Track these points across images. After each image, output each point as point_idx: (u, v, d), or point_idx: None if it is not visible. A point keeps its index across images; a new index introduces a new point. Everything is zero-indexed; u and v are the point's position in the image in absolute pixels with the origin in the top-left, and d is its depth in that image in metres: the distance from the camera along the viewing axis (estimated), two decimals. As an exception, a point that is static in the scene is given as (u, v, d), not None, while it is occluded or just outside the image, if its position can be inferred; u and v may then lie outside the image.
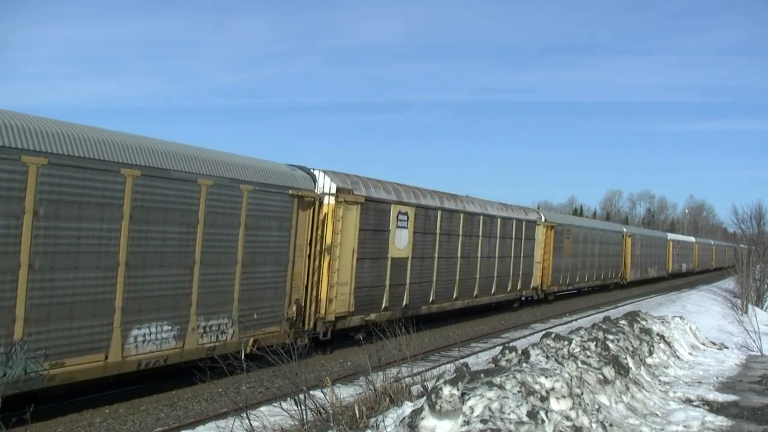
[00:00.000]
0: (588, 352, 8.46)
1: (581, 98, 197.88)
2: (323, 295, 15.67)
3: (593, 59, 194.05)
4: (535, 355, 7.88)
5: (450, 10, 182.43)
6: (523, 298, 29.15)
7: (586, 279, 37.43)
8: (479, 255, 24.08)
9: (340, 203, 15.98)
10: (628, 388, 8.18)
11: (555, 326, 23.35)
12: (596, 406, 6.91)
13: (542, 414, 5.36)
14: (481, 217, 24.24)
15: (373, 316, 17.15)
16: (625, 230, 47.21)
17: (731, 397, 9.03)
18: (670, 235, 63.54)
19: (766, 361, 13.47)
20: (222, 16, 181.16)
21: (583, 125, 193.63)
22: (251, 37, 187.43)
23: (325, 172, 16.01)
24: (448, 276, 21.86)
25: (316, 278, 15.58)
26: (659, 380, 9.88)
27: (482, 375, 6.16)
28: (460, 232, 22.60)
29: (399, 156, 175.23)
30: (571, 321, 25.61)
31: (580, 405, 6.11)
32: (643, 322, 12.96)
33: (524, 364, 7.27)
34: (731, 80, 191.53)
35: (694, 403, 8.63)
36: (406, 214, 18.99)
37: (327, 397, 7.20)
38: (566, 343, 8.57)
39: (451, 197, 22.71)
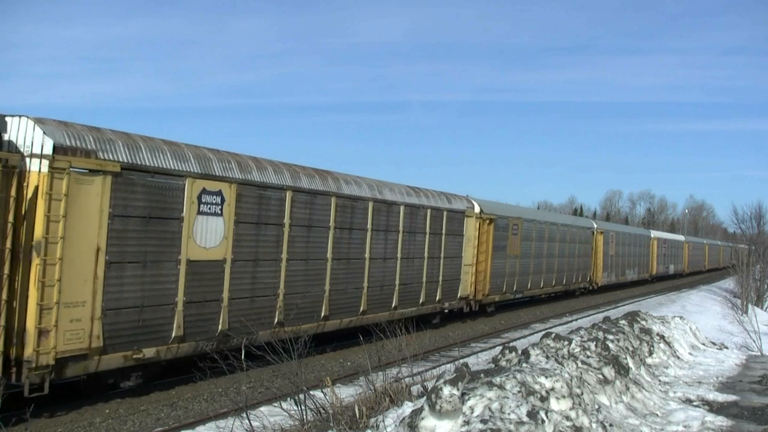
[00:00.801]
0: (588, 352, 8.46)
1: (582, 98, 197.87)
2: (29, 323, 9.75)
3: (594, 59, 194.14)
4: (535, 355, 7.88)
5: (451, 10, 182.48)
6: (446, 311, 22.88)
7: (541, 285, 31.07)
8: (367, 256, 17.63)
9: (63, 172, 10.05)
10: (628, 388, 8.18)
11: (555, 326, 23.36)
12: (596, 406, 6.91)
13: (542, 414, 5.36)
14: (371, 204, 17.70)
15: (151, 351, 11.56)
16: (595, 226, 40.54)
17: (731, 397, 9.03)
18: (655, 233, 57.97)
19: (766, 361, 13.47)
20: (223, 16, 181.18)
21: (583, 125, 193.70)
22: (252, 37, 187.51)
23: (37, 121, 10.13)
24: (310, 286, 15.54)
25: (7, 295, 9.63)
26: (659, 380, 9.88)
27: (482, 375, 6.16)
28: (332, 224, 16.15)
29: (400, 156, 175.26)
30: (571, 321, 25.62)
31: (580, 405, 6.11)
32: (643, 322, 12.96)
33: (524, 364, 7.27)
34: (731, 80, 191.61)
35: (694, 403, 8.63)
36: (218, 194, 12.88)
37: (327, 397, 7.21)
38: (566, 343, 8.57)
39: (314, 173, 16.06)
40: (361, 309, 17.42)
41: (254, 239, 13.81)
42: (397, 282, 19.09)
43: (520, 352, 8.24)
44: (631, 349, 10.07)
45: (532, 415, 5.31)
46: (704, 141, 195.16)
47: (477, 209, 24.12)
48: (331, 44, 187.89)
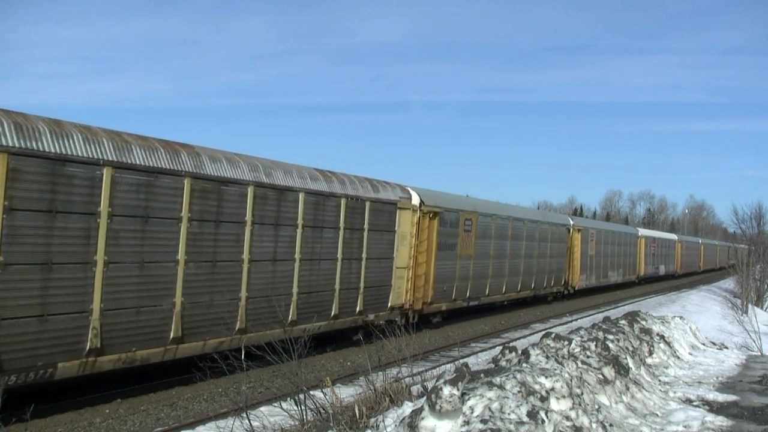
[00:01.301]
0: (588, 352, 8.46)
1: (582, 98, 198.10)
2: None
3: (594, 59, 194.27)
4: (535, 355, 7.88)
5: (451, 10, 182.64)
6: (374, 325, 15.47)
7: (504, 290, 26.90)
8: (246, 257, 13.47)
9: None
10: (628, 388, 8.18)
11: (555, 326, 23.35)
12: (596, 406, 6.91)
13: (542, 414, 5.36)
14: (251, 189, 13.53)
15: None
16: (571, 222, 35.77)
17: (731, 397, 9.03)
18: (643, 231, 53.99)
19: (766, 361, 13.47)
20: (223, 16, 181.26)
21: (583, 125, 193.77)
22: (252, 37, 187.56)
23: None
24: (150, 298, 11.54)
25: None
26: (659, 380, 9.89)
27: (482, 375, 6.16)
28: (185, 214, 12.06)
29: (400, 156, 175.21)
30: (571, 321, 25.62)
31: (580, 405, 6.11)
32: (643, 322, 12.96)
33: (524, 364, 7.27)
34: (731, 80, 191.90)
35: (694, 403, 8.63)
36: None
37: (327, 397, 7.21)
38: (566, 343, 8.57)
39: (158, 145, 11.87)
40: (237, 327, 13.37)
41: (45, 235, 9.85)
42: (294, 290, 14.97)
43: (520, 352, 8.24)
44: (631, 349, 10.07)
45: (532, 415, 5.31)
46: (704, 141, 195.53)
47: (416, 200, 20.04)
48: (331, 44, 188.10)
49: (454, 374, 5.48)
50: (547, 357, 7.71)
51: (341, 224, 16.46)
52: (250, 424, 7.57)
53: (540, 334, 12.09)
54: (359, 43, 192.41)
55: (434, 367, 13.87)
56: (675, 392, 9.25)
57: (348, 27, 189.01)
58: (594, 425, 5.98)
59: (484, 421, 5.13)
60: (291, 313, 14.87)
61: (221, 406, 11.49)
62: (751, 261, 38.98)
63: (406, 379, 7.75)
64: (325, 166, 17.02)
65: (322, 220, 15.82)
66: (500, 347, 9.84)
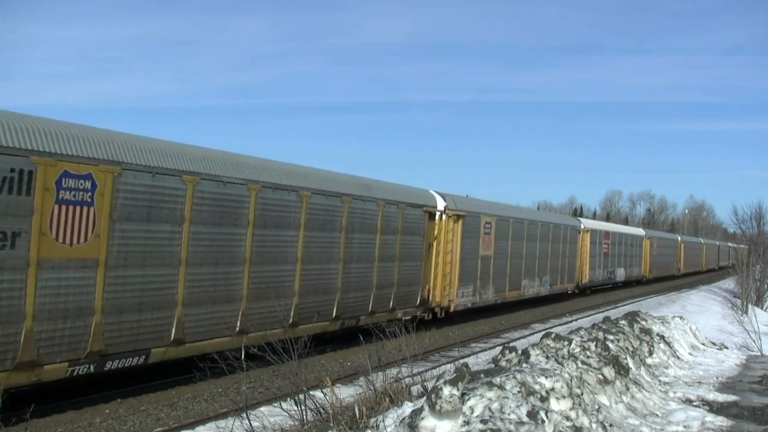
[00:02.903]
0: (588, 353, 8.46)
1: (582, 98, 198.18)
2: None
3: (594, 59, 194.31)
4: (535, 355, 7.88)
5: (452, 11, 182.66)
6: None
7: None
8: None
9: None
10: (628, 389, 8.18)
11: (555, 326, 23.35)
12: (596, 407, 6.91)
13: (542, 414, 5.36)
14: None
15: None
16: (441, 205, 21.65)
17: (731, 397, 9.03)
18: (588, 223, 40.00)
19: (766, 361, 13.47)
20: (224, 16, 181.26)
21: (583, 125, 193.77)
22: (253, 37, 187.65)
23: None
24: None
25: None
26: (659, 380, 9.88)
27: (482, 375, 6.16)
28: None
29: (400, 156, 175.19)
30: (571, 321, 25.61)
31: (580, 405, 6.11)
32: (643, 322, 12.96)
33: (524, 365, 7.27)
34: (731, 80, 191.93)
35: (694, 403, 8.63)
36: None
37: (327, 397, 7.20)
38: (566, 343, 8.57)
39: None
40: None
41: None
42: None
43: (520, 352, 8.24)
44: (631, 349, 10.07)
45: (532, 415, 5.31)
46: (704, 141, 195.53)
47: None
48: (332, 44, 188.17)
49: (454, 374, 5.48)
50: (547, 357, 7.71)
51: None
52: (250, 424, 7.56)
53: (540, 334, 12.09)
54: (360, 43, 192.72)
55: (434, 367, 13.86)
56: (675, 392, 9.25)
57: (348, 27, 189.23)
58: (594, 425, 5.98)
59: (484, 422, 5.13)
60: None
61: (221, 406, 11.48)
62: (751, 261, 38.94)
63: (406, 379, 7.75)
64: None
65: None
66: (500, 347, 9.84)
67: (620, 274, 43.76)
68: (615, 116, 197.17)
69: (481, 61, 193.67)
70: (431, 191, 22.03)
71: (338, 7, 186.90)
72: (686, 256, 64.67)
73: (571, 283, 35.10)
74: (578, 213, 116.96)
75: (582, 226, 37.05)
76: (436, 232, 21.50)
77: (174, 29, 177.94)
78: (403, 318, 15.66)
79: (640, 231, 52.48)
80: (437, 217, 21.50)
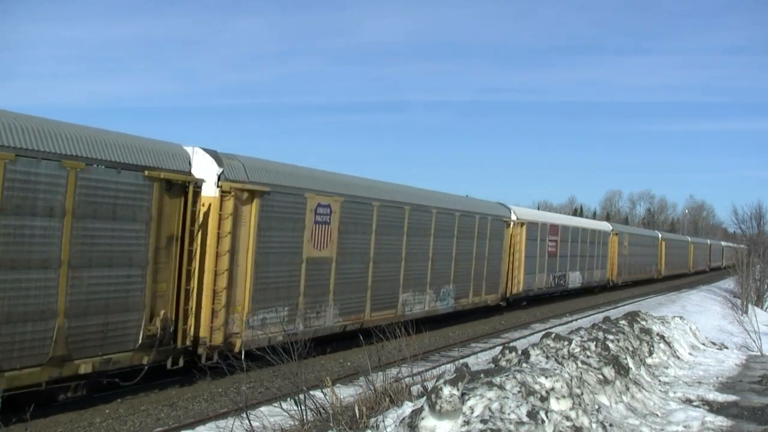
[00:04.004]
0: (588, 352, 8.46)
1: (582, 98, 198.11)
2: None
3: (594, 59, 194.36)
4: (535, 355, 7.88)
5: (452, 10, 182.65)
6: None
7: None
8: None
9: None
10: (628, 388, 8.18)
11: (555, 326, 23.35)
12: (596, 406, 6.91)
13: (542, 414, 5.36)
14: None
15: None
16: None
17: (731, 397, 9.03)
18: (523, 213, 29.31)
19: (766, 361, 13.47)
20: (224, 16, 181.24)
21: (583, 125, 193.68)
22: (254, 37, 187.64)
23: None
24: None
25: None
26: (659, 380, 9.88)
27: (482, 375, 6.16)
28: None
29: (400, 156, 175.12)
30: (571, 321, 25.61)
31: (580, 405, 6.11)
32: (643, 322, 12.96)
33: (524, 365, 7.27)
34: (731, 80, 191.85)
35: (694, 403, 8.63)
36: None
37: (327, 397, 7.21)
38: (566, 343, 8.57)
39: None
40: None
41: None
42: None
43: (520, 352, 8.24)
44: (631, 349, 10.07)
45: (532, 415, 5.31)
46: (704, 141, 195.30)
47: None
48: (332, 44, 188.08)
49: (454, 374, 5.48)
50: (547, 357, 7.71)
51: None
52: (250, 424, 7.57)
53: (540, 334, 12.09)
54: (360, 43, 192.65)
55: (434, 367, 13.86)
56: (675, 392, 9.25)
57: (349, 27, 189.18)
58: (594, 425, 5.98)
59: (484, 421, 5.13)
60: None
61: (221, 406, 11.48)
62: (751, 261, 38.93)
63: (406, 379, 7.75)
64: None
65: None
66: (500, 347, 9.84)
67: (575, 279, 34.66)
68: (615, 116, 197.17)
69: (481, 61, 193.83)
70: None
71: (338, 7, 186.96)
72: (669, 256, 56.00)
73: (494, 293, 25.64)
74: (578, 213, 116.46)
75: (513, 217, 27.37)
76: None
77: (174, 29, 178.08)
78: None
79: (604, 225, 42.57)
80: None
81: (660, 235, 55.37)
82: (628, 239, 44.66)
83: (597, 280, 38.79)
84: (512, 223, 27.23)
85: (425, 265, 20.66)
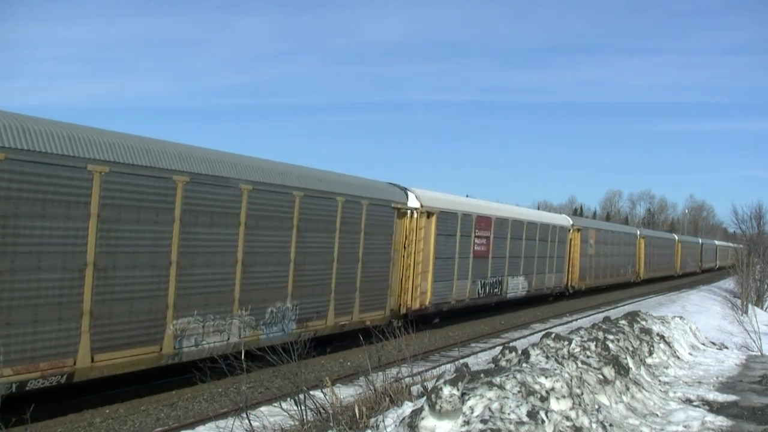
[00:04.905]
0: (588, 352, 8.47)
1: (582, 98, 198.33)
2: None
3: (594, 59, 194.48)
4: (535, 355, 7.88)
5: (453, 10, 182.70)
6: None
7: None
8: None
9: None
10: (628, 388, 8.18)
11: (555, 326, 23.35)
12: (596, 406, 6.91)
13: (542, 414, 5.36)
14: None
15: None
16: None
17: (731, 397, 9.03)
18: (429, 199, 20.44)
19: (766, 361, 13.47)
20: (225, 16, 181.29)
21: (583, 125, 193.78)
22: (254, 37, 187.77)
23: None
24: None
25: None
26: (659, 380, 9.89)
27: (482, 375, 6.16)
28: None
29: (401, 156, 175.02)
30: (571, 321, 25.61)
31: (580, 405, 6.11)
32: (643, 322, 12.96)
33: (524, 364, 7.27)
34: (731, 80, 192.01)
35: (694, 403, 8.63)
36: None
37: (327, 397, 7.21)
38: (566, 343, 8.57)
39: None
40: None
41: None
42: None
43: (520, 352, 8.24)
44: (631, 349, 10.07)
45: (532, 415, 5.31)
46: (704, 141, 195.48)
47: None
48: (333, 44, 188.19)
49: (454, 374, 5.48)
50: (547, 357, 7.71)
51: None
52: (250, 424, 7.57)
53: (540, 334, 12.09)
54: (360, 43, 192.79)
55: (434, 367, 13.87)
56: (675, 392, 9.25)
57: (349, 27, 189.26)
58: (594, 425, 5.98)
59: (484, 421, 5.13)
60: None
61: (221, 406, 11.48)
62: (751, 261, 38.91)
63: (406, 379, 7.75)
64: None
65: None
66: (500, 347, 9.84)
67: (517, 286, 27.49)
68: (615, 116, 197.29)
69: (482, 61, 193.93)
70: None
71: (338, 7, 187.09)
72: (650, 256, 49.40)
73: (377, 310, 18.05)
74: (578, 213, 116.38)
75: (413, 203, 19.63)
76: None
77: (174, 29, 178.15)
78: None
79: (563, 219, 35.08)
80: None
81: (638, 232, 49.23)
82: (596, 236, 37.63)
83: (551, 287, 31.58)
84: (411, 212, 19.47)
85: (229, 273, 13.10)
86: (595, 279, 37.81)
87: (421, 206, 19.96)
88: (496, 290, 25.69)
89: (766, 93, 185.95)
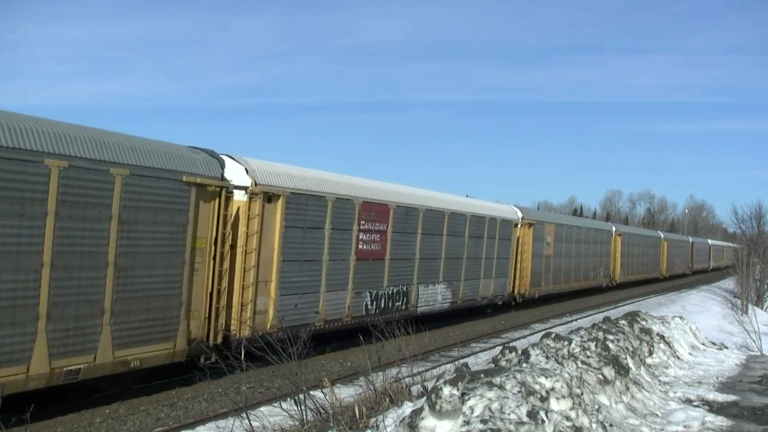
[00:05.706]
0: (588, 352, 8.46)
1: (582, 98, 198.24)
2: None
3: (595, 59, 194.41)
4: (535, 355, 7.88)
5: (453, 10, 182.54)
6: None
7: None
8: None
9: None
10: (628, 388, 8.18)
11: (555, 326, 23.35)
12: (596, 406, 6.91)
13: (542, 414, 5.36)
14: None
15: None
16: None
17: (731, 397, 9.03)
18: (271, 170, 14.62)
19: (766, 361, 13.47)
20: (225, 16, 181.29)
21: (584, 125, 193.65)
22: (254, 37, 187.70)
23: None
24: None
25: None
26: (659, 380, 9.89)
27: (482, 375, 6.16)
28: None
29: (400, 156, 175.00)
30: (571, 321, 25.62)
31: (580, 405, 6.11)
32: (643, 322, 12.96)
33: (524, 365, 7.27)
34: (731, 80, 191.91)
35: (694, 403, 8.63)
36: None
37: (327, 397, 7.21)
38: (566, 343, 8.57)
39: None
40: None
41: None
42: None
43: (520, 352, 8.25)
44: (631, 349, 10.07)
45: (532, 415, 5.31)
46: (704, 141, 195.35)
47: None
48: (333, 44, 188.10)
49: (454, 374, 5.48)
50: (547, 357, 7.71)
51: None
52: (250, 424, 7.57)
53: (540, 334, 12.09)
54: (360, 43, 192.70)
55: (434, 367, 13.87)
56: (675, 392, 9.25)
57: (349, 27, 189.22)
58: (594, 425, 5.98)
59: (484, 421, 5.13)
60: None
61: (221, 406, 11.48)
62: (751, 261, 38.90)
63: (406, 379, 7.75)
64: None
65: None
66: (500, 347, 9.85)
67: (433, 297, 21.27)
68: (615, 116, 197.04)
69: (483, 61, 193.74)
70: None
71: (339, 7, 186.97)
72: (630, 256, 44.15)
73: (161, 342, 11.87)
74: (578, 213, 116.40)
75: (236, 180, 13.82)
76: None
77: (175, 29, 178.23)
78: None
79: (507, 211, 27.48)
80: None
81: (614, 229, 42.87)
82: (554, 232, 31.12)
83: (488, 296, 25.20)
84: (231, 192, 13.52)
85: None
86: (553, 284, 31.25)
87: (255, 184, 14.05)
88: (397, 304, 19.11)
89: (766, 93, 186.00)
